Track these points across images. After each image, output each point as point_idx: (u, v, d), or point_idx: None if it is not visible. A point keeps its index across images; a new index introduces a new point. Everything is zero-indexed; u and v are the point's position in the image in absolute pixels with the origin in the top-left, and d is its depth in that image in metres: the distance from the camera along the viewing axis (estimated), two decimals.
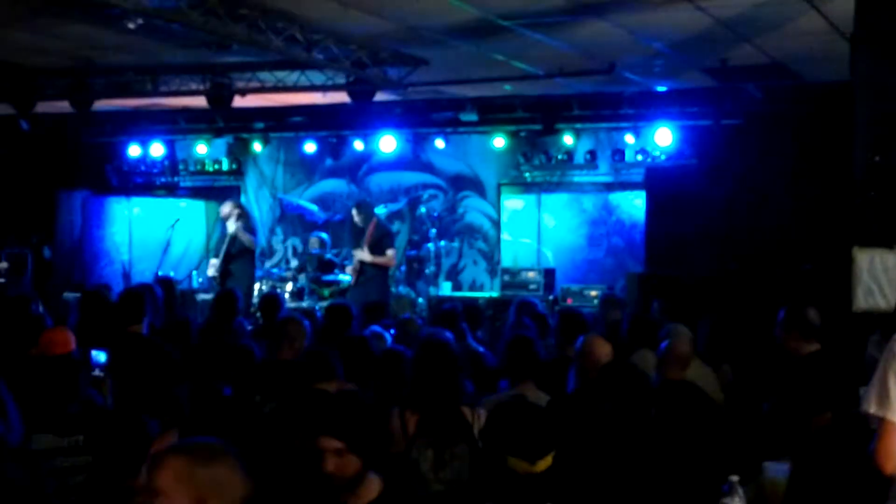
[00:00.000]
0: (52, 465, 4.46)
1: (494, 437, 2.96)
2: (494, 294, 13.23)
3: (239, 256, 11.75)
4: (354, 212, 12.06)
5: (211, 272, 11.65)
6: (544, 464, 2.92)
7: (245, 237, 11.70)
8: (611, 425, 4.81)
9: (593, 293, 12.41)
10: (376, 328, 7.48)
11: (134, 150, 15.27)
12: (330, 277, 12.94)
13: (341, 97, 11.47)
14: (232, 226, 11.61)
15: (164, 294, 8.86)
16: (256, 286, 12.68)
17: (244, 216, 11.95)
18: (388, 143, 14.04)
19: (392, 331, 7.45)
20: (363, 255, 11.66)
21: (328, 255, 13.15)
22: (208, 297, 11.56)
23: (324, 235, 13.63)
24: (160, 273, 11.81)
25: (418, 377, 4.88)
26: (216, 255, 11.80)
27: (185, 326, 7.64)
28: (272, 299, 9.02)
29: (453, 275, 14.24)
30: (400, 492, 4.47)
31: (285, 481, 4.45)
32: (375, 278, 11.75)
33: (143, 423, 4.66)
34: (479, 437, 3.13)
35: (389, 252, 11.80)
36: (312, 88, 11.33)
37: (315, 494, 4.39)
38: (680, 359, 5.71)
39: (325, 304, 11.81)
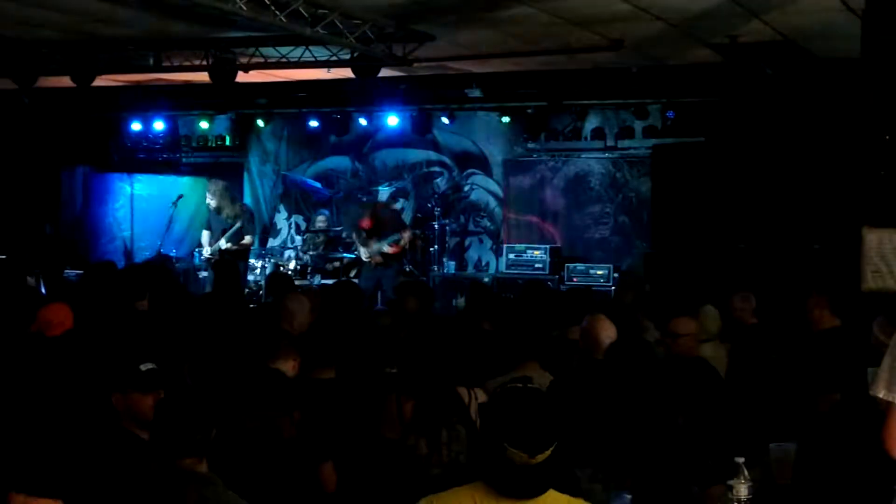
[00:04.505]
0: None
1: (494, 424, 2.88)
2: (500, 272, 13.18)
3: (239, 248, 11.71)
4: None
5: (207, 253, 11.54)
6: (542, 457, 2.84)
7: (248, 240, 11.62)
8: (616, 402, 4.76)
9: (599, 272, 12.36)
10: (381, 306, 7.44)
11: (136, 127, 15.20)
12: (335, 255, 12.89)
13: (346, 73, 11.37)
14: (223, 243, 11.44)
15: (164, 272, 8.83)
16: (259, 263, 12.65)
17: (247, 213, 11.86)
18: (392, 120, 13.98)
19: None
20: (385, 247, 11.54)
21: (332, 232, 13.10)
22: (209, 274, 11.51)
23: (327, 213, 13.59)
24: (162, 250, 11.77)
25: (409, 360, 4.83)
26: (208, 229, 11.68)
27: (188, 302, 7.61)
28: (282, 278, 8.96)
29: (458, 253, 14.17)
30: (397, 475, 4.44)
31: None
32: (395, 259, 11.68)
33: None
34: (477, 417, 3.06)
35: (406, 234, 11.76)
36: (316, 64, 11.23)
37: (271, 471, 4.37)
38: (679, 336, 5.65)
39: (330, 281, 11.79)
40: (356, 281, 10.91)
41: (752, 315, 7.19)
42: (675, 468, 4.46)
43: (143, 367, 4.25)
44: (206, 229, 11.74)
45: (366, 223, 11.57)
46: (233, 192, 12.18)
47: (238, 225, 11.38)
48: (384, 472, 4.50)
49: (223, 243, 11.39)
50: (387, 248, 11.49)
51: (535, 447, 2.83)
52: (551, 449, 2.85)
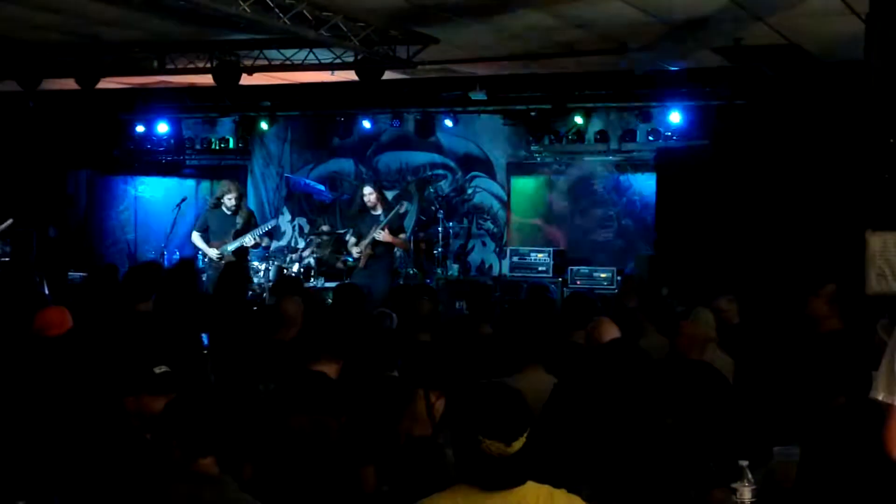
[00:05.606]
0: None
1: (466, 421, 2.92)
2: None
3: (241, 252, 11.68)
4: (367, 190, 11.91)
5: (214, 254, 11.48)
6: (518, 444, 2.90)
7: (253, 241, 11.65)
8: (612, 405, 4.76)
9: (603, 275, 12.34)
10: (384, 308, 7.43)
11: (140, 129, 15.21)
12: (339, 257, 12.86)
13: (349, 76, 11.37)
14: (249, 240, 11.44)
15: (186, 275, 8.80)
16: (262, 266, 12.66)
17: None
18: (396, 123, 14.01)
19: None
20: (384, 235, 11.47)
21: (338, 235, 13.09)
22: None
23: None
24: (166, 252, 11.76)
25: (442, 359, 4.83)
26: (201, 230, 11.63)
27: (192, 304, 7.60)
28: (289, 280, 8.93)
29: (461, 256, 14.16)
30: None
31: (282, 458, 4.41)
32: (384, 260, 11.63)
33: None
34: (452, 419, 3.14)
35: (402, 235, 11.74)
36: (320, 67, 11.23)
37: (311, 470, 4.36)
38: (686, 339, 5.66)
39: (333, 284, 11.76)
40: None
41: (737, 315, 7.49)
42: (659, 470, 4.45)
43: (156, 370, 4.21)
44: (200, 231, 11.64)
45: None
46: None
47: (273, 222, 11.47)
48: (414, 470, 4.51)
49: (249, 240, 11.35)
50: (378, 235, 11.42)
51: (509, 435, 2.88)
52: (525, 436, 2.90)
